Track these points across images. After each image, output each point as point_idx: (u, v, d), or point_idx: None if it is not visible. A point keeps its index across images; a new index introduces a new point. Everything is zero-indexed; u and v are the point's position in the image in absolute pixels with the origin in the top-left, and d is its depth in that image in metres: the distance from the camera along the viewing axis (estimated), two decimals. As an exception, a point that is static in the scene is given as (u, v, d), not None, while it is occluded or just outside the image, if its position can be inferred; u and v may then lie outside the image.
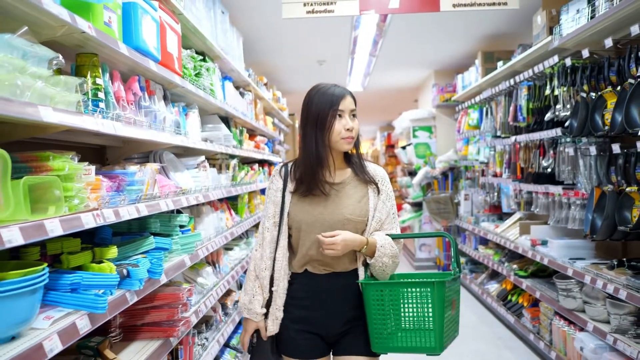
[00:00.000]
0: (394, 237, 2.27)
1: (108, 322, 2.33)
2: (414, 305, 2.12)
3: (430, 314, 2.08)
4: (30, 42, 1.51)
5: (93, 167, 1.89)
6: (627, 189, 3.33)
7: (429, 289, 2.09)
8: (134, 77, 2.45)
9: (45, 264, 1.58)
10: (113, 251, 2.10)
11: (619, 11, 3.14)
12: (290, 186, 2.30)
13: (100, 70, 2.08)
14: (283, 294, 2.26)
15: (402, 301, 2.15)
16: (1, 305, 1.39)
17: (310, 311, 2.24)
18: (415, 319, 2.13)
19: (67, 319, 1.67)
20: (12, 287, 1.41)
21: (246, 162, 5.53)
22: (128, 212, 2.11)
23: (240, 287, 4.89)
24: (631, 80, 3.23)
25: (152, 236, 2.53)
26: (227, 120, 4.45)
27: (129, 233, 2.62)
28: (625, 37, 3.33)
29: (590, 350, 3.49)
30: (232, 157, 4.61)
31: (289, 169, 2.34)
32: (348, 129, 2.20)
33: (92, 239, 2.30)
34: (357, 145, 2.32)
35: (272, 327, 2.26)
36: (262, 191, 6.33)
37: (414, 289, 2.13)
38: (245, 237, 5.11)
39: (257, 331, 2.29)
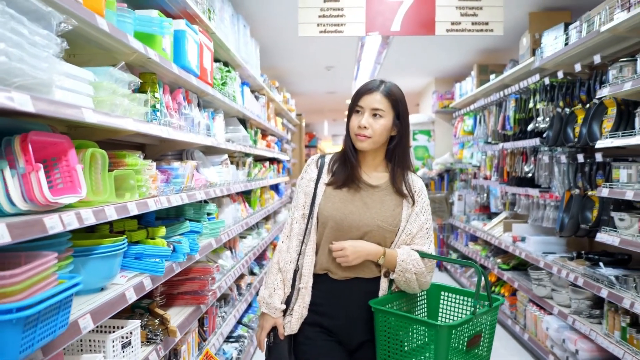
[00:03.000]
0: (422, 256, 2.11)
1: (152, 290, 2.88)
2: (419, 342, 2.04)
3: (432, 354, 1.96)
4: (121, 70, 2.05)
5: (154, 164, 2.43)
6: (589, 193, 3.88)
7: (432, 332, 1.98)
8: (178, 90, 2.99)
9: (124, 236, 2.13)
10: (162, 231, 2.64)
11: (583, 43, 3.69)
12: (326, 177, 2.20)
13: (157, 86, 2.62)
14: (310, 291, 2.14)
15: (409, 335, 2.04)
16: (98, 263, 1.94)
17: (330, 319, 2.13)
18: (420, 355, 2.03)
19: (137, 278, 2.22)
20: (107, 250, 1.96)
21: (258, 159, 6.07)
22: (175, 200, 2.65)
23: (251, 272, 5.43)
24: (595, 100, 3.76)
25: (188, 221, 3.08)
26: (244, 121, 4.98)
27: (167, 218, 3.16)
28: (589, 64, 3.87)
29: (554, 329, 4.05)
30: (248, 155, 5.15)
31: (327, 159, 2.26)
32: (359, 126, 2.11)
33: (139, 222, 2.84)
34: (396, 150, 2.19)
35: (295, 325, 2.13)
36: (272, 187, 6.90)
37: (419, 327, 2.05)
38: (256, 228, 5.66)
39: (273, 329, 2.17)
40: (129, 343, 2.09)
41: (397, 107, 2.15)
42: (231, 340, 4.22)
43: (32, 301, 1.26)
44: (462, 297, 2.29)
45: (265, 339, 2.19)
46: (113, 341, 1.99)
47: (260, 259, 5.83)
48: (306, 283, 2.13)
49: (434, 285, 2.31)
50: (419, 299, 2.32)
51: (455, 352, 1.98)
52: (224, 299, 4.07)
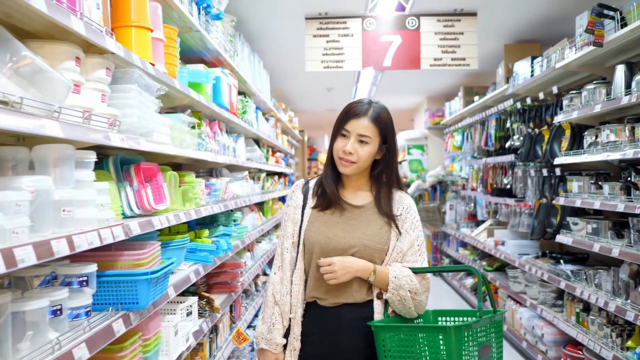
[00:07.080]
0: (416, 271, 2.01)
1: (195, 281, 3.61)
2: (428, 353, 1.89)
3: None
4: (187, 116, 2.81)
5: (203, 181, 3.17)
6: (553, 202, 4.62)
7: (441, 336, 1.86)
8: (214, 122, 3.75)
9: (187, 234, 2.87)
10: (206, 232, 3.38)
11: (544, 75, 4.46)
12: (311, 202, 2.15)
13: (202, 121, 3.37)
14: (300, 321, 2.07)
15: (416, 347, 1.91)
16: (173, 252, 2.68)
17: (322, 348, 2.03)
18: None
19: (194, 266, 2.97)
20: (179, 243, 2.70)
21: (269, 174, 6.82)
22: (216, 209, 3.40)
23: (264, 273, 6.16)
24: (555, 123, 4.52)
25: (221, 226, 3.81)
26: (257, 141, 5.74)
27: (204, 223, 3.89)
28: (549, 93, 4.64)
29: (526, 319, 4.79)
30: (261, 171, 5.90)
31: (311, 184, 2.20)
32: (344, 151, 2.03)
33: (183, 226, 3.57)
34: (382, 174, 2.13)
35: (290, 359, 2.06)
36: (280, 198, 7.64)
37: (426, 335, 1.91)
38: (267, 234, 6.40)
39: None
40: (191, 312, 2.83)
41: (384, 132, 2.08)
42: (252, 327, 4.94)
43: (156, 269, 2.00)
44: (461, 319, 2.12)
45: None
46: (181, 310, 2.73)
47: (271, 262, 6.56)
48: (295, 313, 2.07)
49: (430, 312, 2.15)
50: None
51: None
52: (246, 292, 4.80)
